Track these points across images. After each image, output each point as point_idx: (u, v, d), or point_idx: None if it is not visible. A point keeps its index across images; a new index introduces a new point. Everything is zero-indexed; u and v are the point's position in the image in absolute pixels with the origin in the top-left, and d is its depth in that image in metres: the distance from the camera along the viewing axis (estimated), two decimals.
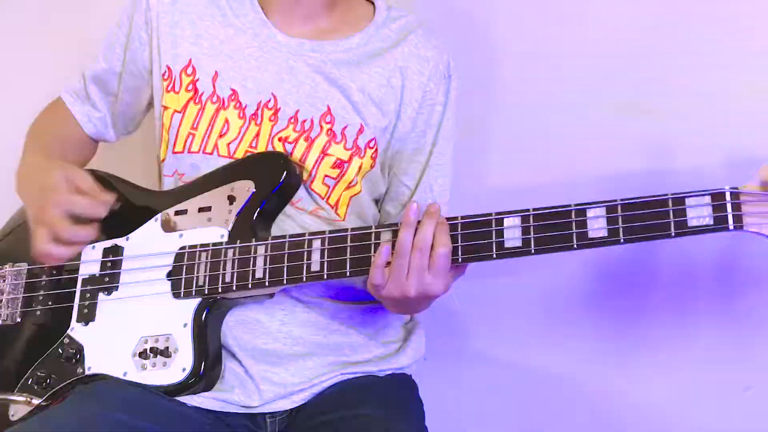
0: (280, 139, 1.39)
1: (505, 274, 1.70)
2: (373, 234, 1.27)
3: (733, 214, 1.11)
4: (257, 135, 1.40)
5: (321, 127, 1.39)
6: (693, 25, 1.51)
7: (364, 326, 1.44)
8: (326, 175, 1.40)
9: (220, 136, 1.40)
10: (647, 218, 1.14)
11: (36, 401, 1.38)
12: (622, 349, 1.66)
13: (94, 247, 1.43)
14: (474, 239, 1.22)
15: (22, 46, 1.93)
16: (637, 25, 1.54)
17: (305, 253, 1.30)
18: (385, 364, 1.44)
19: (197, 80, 1.41)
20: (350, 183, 1.41)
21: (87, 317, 1.39)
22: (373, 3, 1.47)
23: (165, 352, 1.33)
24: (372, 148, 1.41)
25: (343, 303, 1.43)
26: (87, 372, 1.36)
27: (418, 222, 1.23)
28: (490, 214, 1.22)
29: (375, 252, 1.25)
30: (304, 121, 1.39)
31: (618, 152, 1.56)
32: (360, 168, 1.40)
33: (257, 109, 1.40)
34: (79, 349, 1.38)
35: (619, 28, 1.55)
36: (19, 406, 1.39)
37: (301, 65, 1.40)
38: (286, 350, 1.38)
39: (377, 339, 1.45)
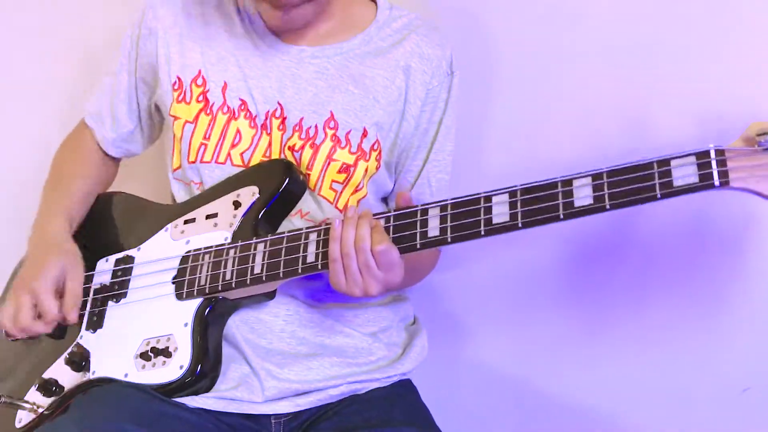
0: (290, 148, 1.41)
1: (505, 275, 1.68)
2: None
3: (718, 170, 1.08)
4: (269, 144, 1.41)
5: (325, 133, 1.40)
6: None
7: (367, 327, 1.43)
8: (333, 180, 1.40)
9: (233, 146, 1.42)
10: (632, 182, 1.12)
11: (41, 409, 1.39)
12: (621, 350, 1.63)
13: (107, 259, 1.47)
14: (463, 218, 1.21)
15: (26, 50, 1.96)
16: (637, 20, 1.53)
17: (302, 246, 1.30)
18: (392, 370, 1.41)
19: (208, 91, 1.42)
20: (357, 187, 1.41)
21: (95, 325, 1.41)
22: (375, 2, 1.46)
23: (165, 352, 1.33)
24: (376, 150, 1.41)
25: (347, 305, 1.42)
26: (91, 377, 1.37)
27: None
28: (479, 194, 1.21)
29: None
30: (309, 128, 1.40)
31: (618, 148, 1.53)
32: (366, 171, 1.41)
33: (266, 119, 1.41)
34: (86, 356, 1.39)
35: (618, 22, 1.54)
36: (26, 412, 1.40)
37: (303, 72, 1.41)
38: (290, 350, 1.37)
39: (381, 341, 1.43)
